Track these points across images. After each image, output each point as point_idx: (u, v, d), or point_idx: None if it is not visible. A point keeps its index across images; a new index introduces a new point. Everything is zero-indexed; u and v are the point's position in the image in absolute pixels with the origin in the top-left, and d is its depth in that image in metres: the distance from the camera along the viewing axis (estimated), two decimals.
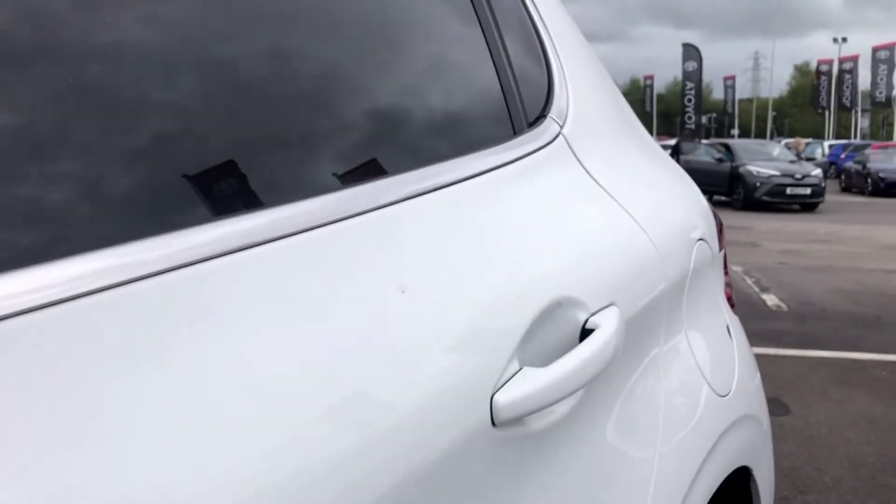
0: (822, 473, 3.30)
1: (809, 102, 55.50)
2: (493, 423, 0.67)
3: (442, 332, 0.67)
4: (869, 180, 21.18)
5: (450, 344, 0.68)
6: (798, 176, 16.48)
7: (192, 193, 0.59)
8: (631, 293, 0.96)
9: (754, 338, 1.71)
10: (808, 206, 16.51)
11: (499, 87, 0.95)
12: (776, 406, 4.05)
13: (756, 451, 1.34)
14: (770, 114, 65.56)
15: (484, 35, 0.98)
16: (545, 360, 0.75)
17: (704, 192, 1.53)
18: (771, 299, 6.87)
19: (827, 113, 48.23)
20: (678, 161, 8.70)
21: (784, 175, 16.43)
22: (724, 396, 1.19)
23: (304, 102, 0.73)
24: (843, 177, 24.22)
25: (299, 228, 0.61)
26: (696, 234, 1.25)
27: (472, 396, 0.66)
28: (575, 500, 0.83)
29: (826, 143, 34.42)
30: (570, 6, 1.35)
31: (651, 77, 41.81)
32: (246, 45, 0.68)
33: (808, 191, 16.37)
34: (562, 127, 1.01)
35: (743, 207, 16.13)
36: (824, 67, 47.15)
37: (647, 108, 46.68)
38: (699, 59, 27.62)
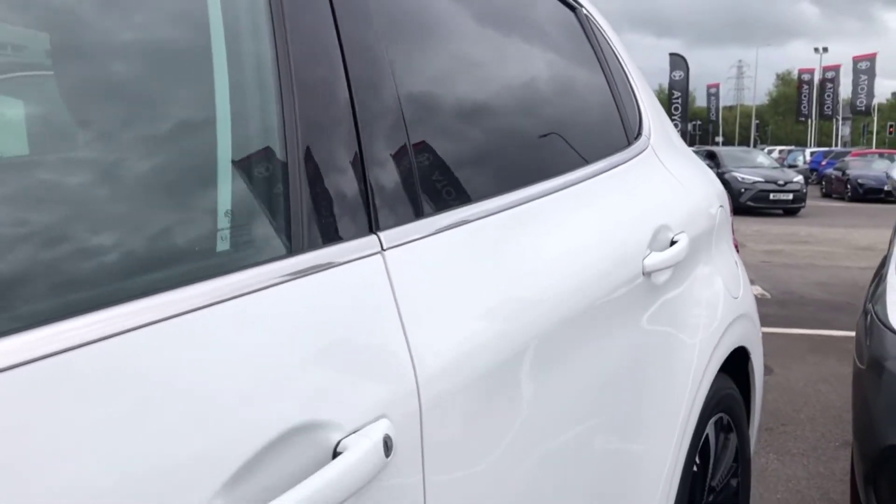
0: (798, 412, 4.16)
1: (792, 110, 56.62)
2: (643, 273, 1.50)
3: (624, 235, 1.50)
4: (848, 186, 21.92)
5: (628, 237, 1.50)
6: (781, 182, 17.23)
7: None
8: (691, 228, 1.78)
9: None
10: (790, 210, 17.32)
11: (619, 118, 1.78)
12: None
13: (752, 339, 2.16)
14: (753, 121, 66.96)
15: (606, 79, 1.80)
16: (660, 250, 1.58)
17: None
18: (756, 289, 7.72)
19: (809, 121, 49.26)
20: None
21: (768, 181, 17.21)
22: (735, 298, 2.02)
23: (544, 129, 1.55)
24: (823, 183, 24.99)
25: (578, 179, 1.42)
26: (718, 202, 2.09)
27: (637, 259, 1.49)
28: (666, 334, 1.65)
29: (808, 151, 35.38)
30: None
31: None
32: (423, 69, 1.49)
33: (790, 196, 17.13)
34: (649, 139, 1.84)
35: None
36: (806, 76, 48.09)
37: None
38: (686, 69, 28.50)
